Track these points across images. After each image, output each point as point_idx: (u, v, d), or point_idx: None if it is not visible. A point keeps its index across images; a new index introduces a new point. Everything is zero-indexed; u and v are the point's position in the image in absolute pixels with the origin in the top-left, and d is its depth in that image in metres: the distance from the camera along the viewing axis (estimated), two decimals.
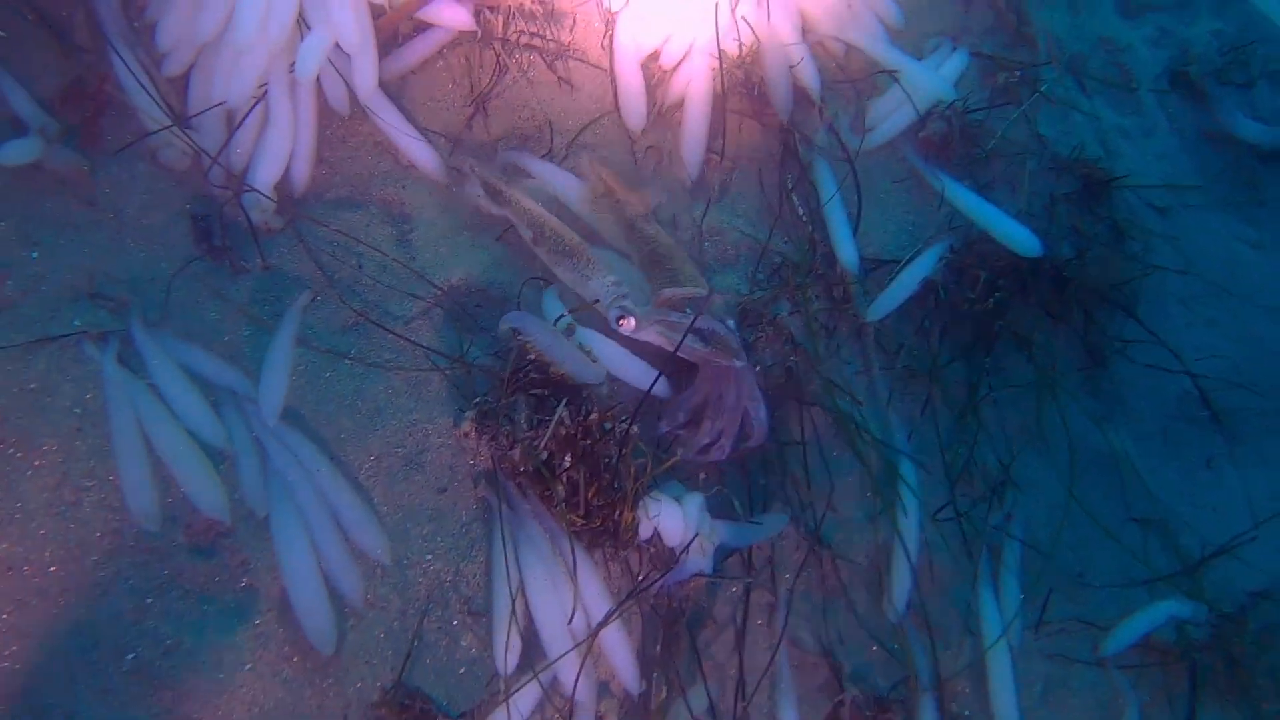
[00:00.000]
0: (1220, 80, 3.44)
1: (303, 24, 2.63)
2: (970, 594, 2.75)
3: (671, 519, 2.40)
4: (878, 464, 2.76)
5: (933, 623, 2.71)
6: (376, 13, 2.75)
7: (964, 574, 2.78)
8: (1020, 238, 2.90)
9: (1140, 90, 3.40)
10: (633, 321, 2.49)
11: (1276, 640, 2.83)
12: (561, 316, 2.55)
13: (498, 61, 2.95)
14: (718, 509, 2.56)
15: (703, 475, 2.61)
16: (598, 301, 2.54)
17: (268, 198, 2.63)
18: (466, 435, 2.47)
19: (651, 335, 2.52)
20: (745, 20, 2.98)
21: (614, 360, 2.52)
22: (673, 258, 2.66)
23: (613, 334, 2.53)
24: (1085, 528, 2.89)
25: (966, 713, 2.68)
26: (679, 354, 2.43)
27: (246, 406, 2.39)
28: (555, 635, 2.35)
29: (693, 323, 2.42)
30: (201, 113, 2.66)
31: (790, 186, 2.99)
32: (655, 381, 2.48)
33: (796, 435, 2.73)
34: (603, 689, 2.41)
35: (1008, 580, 2.77)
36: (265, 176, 2.67)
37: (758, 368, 2.68)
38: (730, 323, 2.61)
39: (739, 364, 2.51)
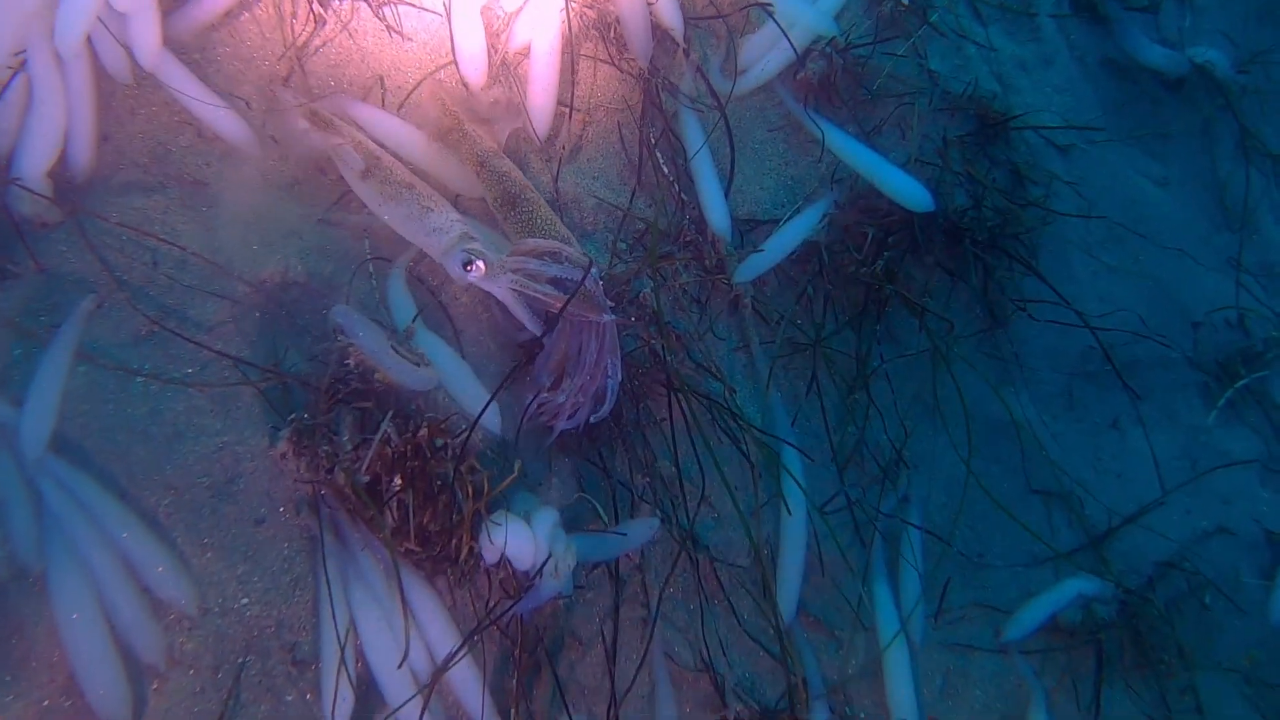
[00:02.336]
0: (1123, 3, 3.15)
1: None
2: (863, 587, 2.53)
3: (520, 542, 2.13)
4: (758, 453, 2.51)
5: (824, 621, 2.50)
6: None
7: (856, 565, 2.56)
8: (911, 192, 2.63)
9: (1040, 16, 3.10)
10: (482, 266, 2.15)
11: (1183, 613, 2.68)
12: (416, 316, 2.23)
13: (312, 10, 2.56)
14: (578, 518, 2.29)
15: (554, 479, 2.34)
16: (436, 241, 2.20)
17: (36, 192, 2.23)
18: (284, 457, 2.16)
19: (504, 286, 2.18)
20: None
21: (450, 371, 2.21)
22: (528, 200, 2.32)
23: (452, 342, 2.21)
24: (985, 504, 2.69)
25: (862, 715, 2.48)
26: (537, 306, 2.14)
27: (16, 442, 2.04)
28: (393, 680, 2.09)
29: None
30: None
31: (653, 141, 2.66)
32: (485, 407, 2.17)
33: (666, 427, 2.45)
34: None
35: (905, 571, 2.56)
36: (34, 163, 2.27)
37: (623, 333, 2.38)
38: (594, 272, 2.29)
39: (607, 318, 2.20)
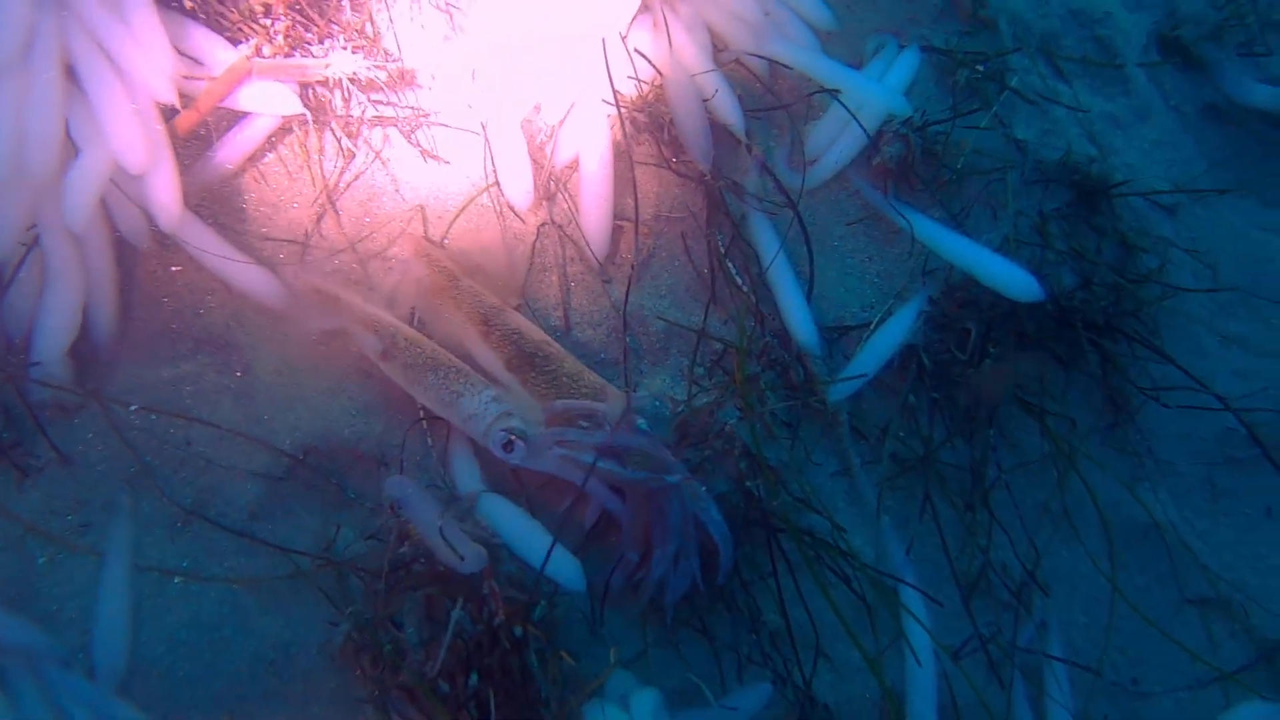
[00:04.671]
0: (1217, 41, 2.87)
1: (72, 146, 2.03)
2: None
3: None
4: (873, 592, 2.21)
5: None
6: (168, 114, 2.15)
7: (997, 707, 2.24)
8: (1014, 280, 2.35)
9: (1127, 65, 2.82)
10: (523, 446, 1.92)
11: None
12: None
13: (340, 146, 2.35)
14: (682, 692, 2.01)
15: (650, 649, 2.06)
16: (474, 427, 1.99)
17: (54, 385, 2.03)
18: (344, 656, 1.90)
19: (550, 463, 1.96)
20: (640, 52, 2.39)
21: (522, 535, 1.95)
22: (546, 356, 2.09)
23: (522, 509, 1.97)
24: (1135, 622, 2.36)
25: None
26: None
27: (45, 670, 1.81)
28: None
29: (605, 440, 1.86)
30: None
31: (723, 250, 2.41)
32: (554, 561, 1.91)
33: (768, 575, 2.16)
34: None
35: (1054, 710, 2.23)
36: (52, 344, 2.08)
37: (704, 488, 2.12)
38: (642, 424, 2.03)
39: (673, 479, 1.94)
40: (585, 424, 1.98)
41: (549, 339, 2.13)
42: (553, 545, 1.93)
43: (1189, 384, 2.47)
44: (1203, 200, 2.80)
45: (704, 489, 2.06)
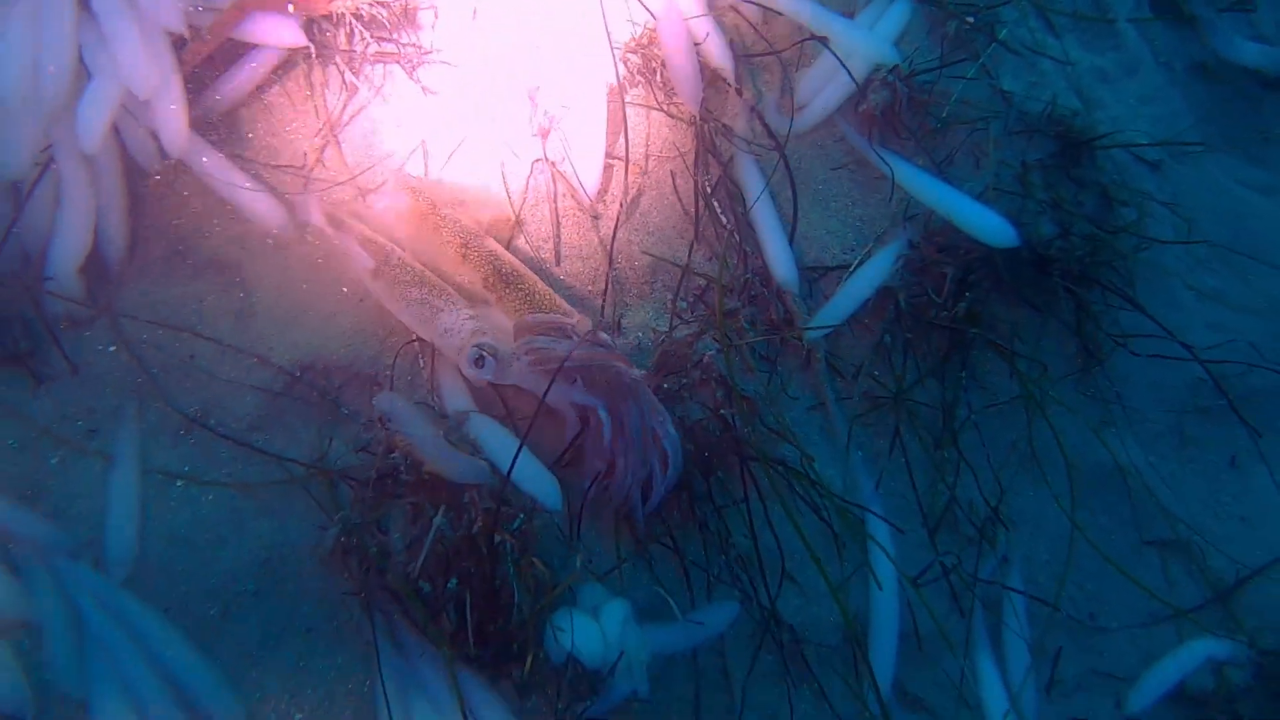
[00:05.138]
0: (1211, 0, 2.90)
1: (84, 72, 2.13)
2: (965, 661, 2.32)
3: (588, 640, 1.96)
4: (841, 521, 2.31)
5: (924, 701, 2.29)
6: (178, 44, 2.24)
7: (956, 637, 2.34)
8: (991, 226, 2.42)
9: (1118, 21, 2.86)
10: (493, 361, 2.02)
11: None
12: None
13: (344, 80, 2.44)
14: (651, 606, 2.12)
15: (624, 564, 2.17)
16: (449, 341, 2.09)
17: (66, 297, 2.14)
18: (333, 558, 2.03)
19: (520, 375, 2.07)
20: None
21: (506, 454, 2.05)
22: (520, 275, 2.20)
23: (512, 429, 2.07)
24: (1095, 561, 2.45)
25: None
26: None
27: (55, 560, 1.94)
28: None
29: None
30: None
31: (709, 190, 2.49)
32: (512, 465, 2.01)
33: (740, 500, 2.26)
34: None
35: (1011, 640, 2.33)
36: (66, 260, 2.19)
37: (682, 418, 2.22)
38: (604, 336, 2.14)
39: (634, 372, 2.05)
40: (553, 335, 2.06)
41: (520, 262, 2.23)
42: (519, 451, 2.01)
43: (1161, 333, 2.54)
44: (1188, 156, 2.85)
45: (660, 403, 2.14)
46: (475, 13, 2.52)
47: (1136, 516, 2.54)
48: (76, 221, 2.20)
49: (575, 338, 2.00)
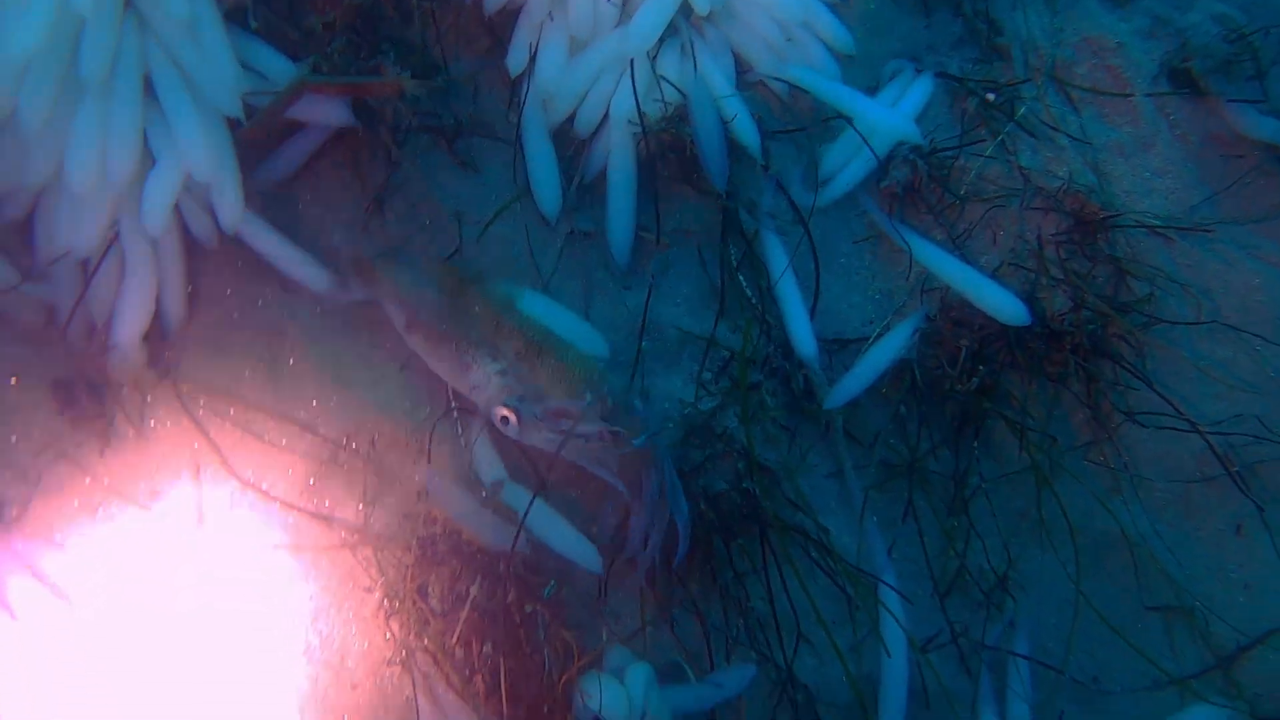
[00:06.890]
0: (1227, 74, 2.98)
1: (149, 157, 2.27)
2: None
3: (614, 702, 2.09)
4: (854, 586, 2.43)
5: None
6: (234, 124, 2.38)
7: (963, 698, 2.45)
8: (1005, 304, 2.53)
9: (1136, 96, 2.95)
10: (515, 418, 2.12)
11: None
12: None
13: (388, 154, 2.57)
14: (675, 669, 2.25)
15: (648, 627, 2.29)
16: (478, 396, 2.19)
17: (130, 365, 2.29)
18: (374, 619, 2.16)
19: (540, 437, 2.15)
20: (666, 79, 2.59)
21: (539, 522, 2.18)
22: (552, 346, 2.24)
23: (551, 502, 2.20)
24: (1100, 627, 2.55)
25: None
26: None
27: None
28: None
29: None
30: (50, 264, 2.32)
31: (735, 264, 2.61)
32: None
33: (758, 564, 2.38)
34: None
35: (1015, 706, 2.44)
36: (129, 331, 2.33)
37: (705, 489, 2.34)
38: (636, 402, 2.23)
39: (654, 444, 2.14)
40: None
41: (546, 329, 2.26)
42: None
43: (1171, 414, 2.63)
44: (1201, 231, 2.92)
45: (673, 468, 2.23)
46: (512, 85, 2.64)
47: (1141, 582, 2.63)
48: (140, 295, 2.33)
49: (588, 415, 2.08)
